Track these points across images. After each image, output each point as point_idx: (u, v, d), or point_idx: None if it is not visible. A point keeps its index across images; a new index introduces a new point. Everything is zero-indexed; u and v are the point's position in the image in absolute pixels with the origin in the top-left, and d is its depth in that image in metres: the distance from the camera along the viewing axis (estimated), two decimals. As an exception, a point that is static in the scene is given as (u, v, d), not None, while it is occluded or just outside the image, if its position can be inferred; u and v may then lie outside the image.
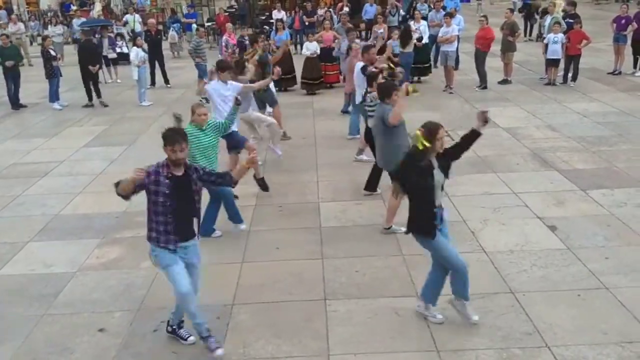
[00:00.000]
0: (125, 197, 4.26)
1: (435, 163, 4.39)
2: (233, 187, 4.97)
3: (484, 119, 4.48)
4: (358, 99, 8.68)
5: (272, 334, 4.65)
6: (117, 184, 4.21)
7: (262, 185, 7.62)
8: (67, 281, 5.65)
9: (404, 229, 6.15)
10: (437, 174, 4.38)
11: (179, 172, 4.25)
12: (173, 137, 4.19)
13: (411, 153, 4.43)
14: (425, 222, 4.42)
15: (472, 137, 4.53)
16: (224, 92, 7.25)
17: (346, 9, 19.24)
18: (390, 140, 6.17)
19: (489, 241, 6.03)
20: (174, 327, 4.65)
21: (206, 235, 6.22)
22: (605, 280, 5.20)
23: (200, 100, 10.76)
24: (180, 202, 4.23)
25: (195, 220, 4.39)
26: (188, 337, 4.59)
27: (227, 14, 23.06)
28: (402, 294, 5.09)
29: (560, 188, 7.36)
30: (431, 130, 4.30)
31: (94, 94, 13.48)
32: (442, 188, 4.51)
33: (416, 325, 4.66)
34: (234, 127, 7.38)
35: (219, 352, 4.39)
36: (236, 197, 7.52)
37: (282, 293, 5.25)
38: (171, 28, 21.38)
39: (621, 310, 4.75)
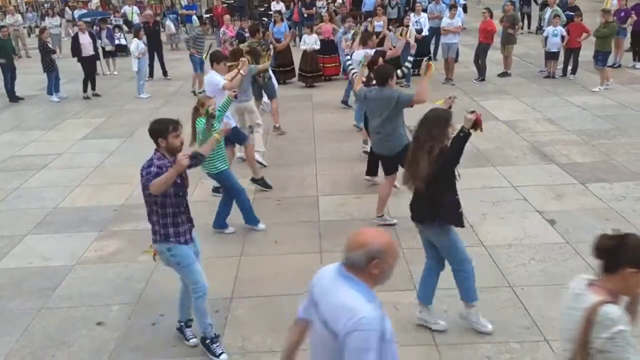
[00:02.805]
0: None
1: None
2: (202, 160, 4.53)
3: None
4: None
5: (271, 328, 4.64)
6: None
7: (263, 184, 7.51)
8: (65, 274, 5.65)
9: (395, 221, 6.23)
10: None
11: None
12: (174, 122, 4.05)
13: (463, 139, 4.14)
14: (456, 210, 4.32)
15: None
16: (217, 83, 7.14)
17: (339, 0, 19.16)
18: (395, 125, 6.05)
19: (488, 235, 6.03)
20: (181, 324, 4.59)
21: (219, 229, 6.32)
22: (603, 274, 5.19)
23: (199, 93, 10.75)
24: (181, 193, 4.16)
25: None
26: (191, 338, 4.52)
27: (225, 5, 22.94)
28: (400, 288, 5.07)
29: (559, 181, 7.36)
30: (449, 117, 4.20)
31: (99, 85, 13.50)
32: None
33: (415, 320, 4.65)
34: (233, 123, 7.35)
35: (224, 357, 4.32)
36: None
37: (281, 287, 5.25)
38: (167, 19, 21.17)
39: (619, 304, 4.75)
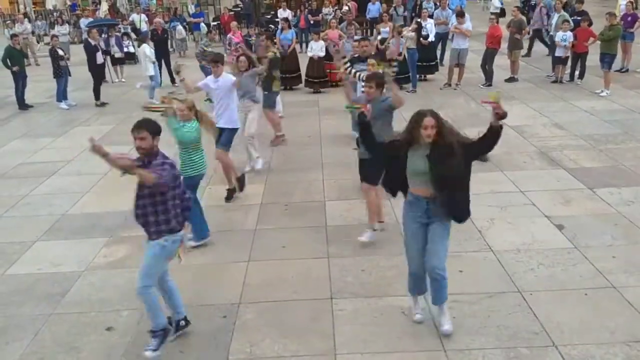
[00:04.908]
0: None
1: (422, 151, 4.21)
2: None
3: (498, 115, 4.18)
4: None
5: (279, 333, 4.66)
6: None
7: (240, 183, 7.45)
8: (75, 280, 5.68)
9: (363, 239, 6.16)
10: (420, 162, 4.21)
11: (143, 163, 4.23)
12: (135, 126, 4.23)
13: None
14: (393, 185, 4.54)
15: (490, 133, 4.19)
16: (212, 85, 7.25)
17: (346, 7, 19.22)
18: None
19: (496, 240, 6.02)
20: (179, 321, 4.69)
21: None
22: (612, 279, 5.18)
23: (206, 101, 10.81)
24: (141, 197, 4.25)
25: (157, 217, 4.27)
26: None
27: (231, 13, 23.05)
28: (408, 293, 5.07)
29: (567, 186, 7.33)
30: (416, 119, 4.19)
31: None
32: (447, 180, 4.22)
33: (423, 324, 4.66)
34: (236, 124, 7.38)
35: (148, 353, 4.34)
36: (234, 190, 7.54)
37: (289, 292, 5.26)
38: (173, 24, 21.02)
39: (628, 310, 4.73)
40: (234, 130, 7.42)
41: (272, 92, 9.36)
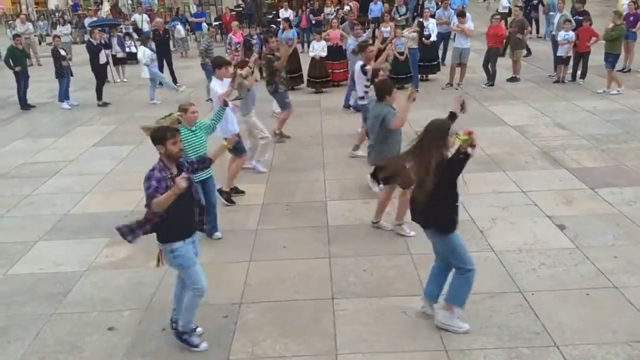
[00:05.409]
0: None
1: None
2: (208, 166, 5.02)
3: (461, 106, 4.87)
4: (359, 94, 8.64)
5: (280, 333, 4.66)
6: (148, 204, 4.09)
7: (227, 198, 7.34)
8: (77, 280, 5.69)
9: (413, 233, 6.09)
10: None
11: (175, 170, 4.24)
12: (171, 130, 4.24)
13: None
14: (451, 215, 4.35)
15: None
16: (221, 90, 6.95)
17: (347, 7, 19.20)
18: (385, 140, 6.09)
19: (498, 240, 6.01)
20: (186, 331, 4.57)
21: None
22: (614, 279, 5.18)
23: (207, 101, 10.84)
24: (184, 199, 4.18)
25: (197, 210, 4.40)
26: (200, 343, 4.55)
27: (233, 13, 23.06)
28: (409, 293, 5.08)
29: (569, 186, 7.33)
30: (449, 128, 4.30)
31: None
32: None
33: (424, 325, 4.66)
34: (237, 129, 7.34)
35: (204, 345, 4.52)
36: (243, 192, 7.54)
37: (290, 292, 5.26)
38: (173, 24, 21.01)
39: (630, 310, 4.73)
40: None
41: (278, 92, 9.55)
